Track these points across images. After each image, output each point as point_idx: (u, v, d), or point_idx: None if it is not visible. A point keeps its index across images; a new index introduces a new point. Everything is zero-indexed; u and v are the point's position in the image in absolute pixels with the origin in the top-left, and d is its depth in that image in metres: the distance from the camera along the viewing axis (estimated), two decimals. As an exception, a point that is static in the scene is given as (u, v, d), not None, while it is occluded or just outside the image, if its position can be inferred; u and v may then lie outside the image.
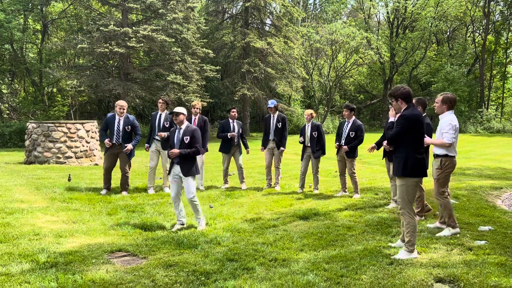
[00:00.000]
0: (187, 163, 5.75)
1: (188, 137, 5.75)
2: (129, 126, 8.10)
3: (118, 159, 8.14)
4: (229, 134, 8.82)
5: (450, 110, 5.48)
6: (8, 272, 4.04)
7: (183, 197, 5.96)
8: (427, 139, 5.46)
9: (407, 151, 4.53)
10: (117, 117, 8.05)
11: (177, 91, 22.25)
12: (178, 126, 5.85)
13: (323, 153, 8.57)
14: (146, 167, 12.50)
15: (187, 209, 6.38)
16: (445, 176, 5.45)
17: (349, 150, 7.85)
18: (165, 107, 8.43)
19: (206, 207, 7.03)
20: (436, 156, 5.55)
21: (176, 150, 5.70)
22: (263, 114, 31.85)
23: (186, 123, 5.87)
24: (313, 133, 8.44)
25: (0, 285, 3.76)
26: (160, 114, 8.41)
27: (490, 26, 34.44)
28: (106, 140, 7.96)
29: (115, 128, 7.99)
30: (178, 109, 5.84)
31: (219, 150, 9.17)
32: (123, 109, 8.09)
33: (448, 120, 5.38)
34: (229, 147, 8.98)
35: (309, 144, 8.48)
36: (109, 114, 8.21)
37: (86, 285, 3.76)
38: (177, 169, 5.79)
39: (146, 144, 8.54)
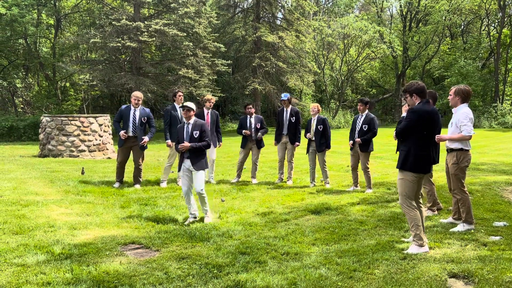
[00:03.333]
0: (198, 157, 5.85)
1: (198, 131, 5.85)
2: (145, 117, 8.11)
3: (132, 152, 8.18)
4: (243, 131, 8.89)
5: (464, 102, 5.37)
6: (24, 263, 4.11)
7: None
8: (444, 136, 5.35)
9: (410, 145, 4.55)
10: (132, 108, 8.04)
11: (188, 85, 22.31)
12: (186, 121, 5.93)
13: (328, 147, 8.51)
14: (158, 160, 12.58)
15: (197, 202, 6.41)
16: (461, 170, 5.37)
17: (362, 143, 7.82)
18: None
19: (218, 201, 7.06)
20: (450, 150, 5.45)
21: (187, 144, 5.77)
22: (274, 108, 31.78)
23: (193, 118, 5.99)
24: (318, 126, 8.39)
25: (17, 275, 3.83)
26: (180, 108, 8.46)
27: (506, 19, 33.82)
28: (122, 132, 7.90)
29: (131, 120, 7.97)
30: (189, 104, 5.89)
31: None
32: (139, 100, 8.08)
33: (464, 112, 5.27)
34: (245, 142, 9.02)
35: (313, 138, 8.44)
36: (124, 106, 8.18)
37: (100, 277, 3.80)
38: (187, 163, 5.88)
39: (168, 141, 8.27)
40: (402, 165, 4.60)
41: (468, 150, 5.37)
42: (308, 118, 32.37)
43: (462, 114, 5.28)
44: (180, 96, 8.48)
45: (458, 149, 5.35)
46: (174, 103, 8.50)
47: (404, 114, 4.80)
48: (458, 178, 5.38)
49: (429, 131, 4.55)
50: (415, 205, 4.62)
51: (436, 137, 5.15)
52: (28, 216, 5.80)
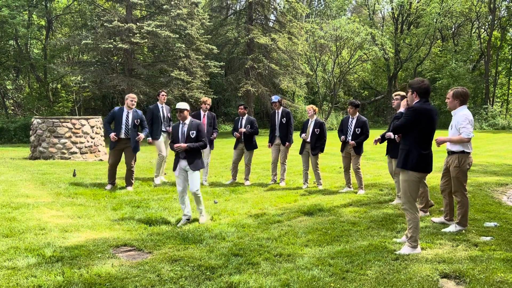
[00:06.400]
0: (195, 157, 5.87)
1: (194, 131, 5.86)
2: (138, 120, 8.13)
3: (124, 154, 8.15)
4: (234, 133, 9.03)
5: (463, 105, 5.33)
6: (15, 266, 4.07)
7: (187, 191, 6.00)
8: (443, 138, 5.33)
9: (411, 144, 4.49)
10: (125, 110, 8.04)
11: (181, 87, 22.24)
12: (181, 122, 5.90)
13: (322, 150, 8.56)
14: (151, 162, 12.52)
15: (192, 203, 6.39)
16: (463, 173, 5.36)
17: (356, 146, 7.86)
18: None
19: (210, 203, 7.04)
20: (451, 153, 5.43)
21: (183, 144, 5.77)
22: (267, 110, 31.81)
23: (189, 118, 5.98)
24: (316, 130, 8.43)
25: (7, 279, 3.79)
26: (162, 107, 8.77)
27: (495, 22, 34.18)
28: (112, 134, 7.87)
29: (124, 122, 7.97)
30: (181, 105, 5.87)
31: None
32: (135, 101, 8.16)
33: (463, 115, 5.25)
34: (236, 144, 9.14)
35: (309, 140, 8.48)
36: (117, 108, 8.20)
37: (92, 279, 3.78)
38: (183, 163, 5.86)
39: (148, 138, 8.68)
40: (404, 164, 4.50)
41: (469, 153, 5.36)
42: (300, 119, 32.24)
43: (461, 116, 5.26)
44: (163, 95, 8.82)
45: (459, 151, 5.33)
46: (157, 102, 8.85)
47: (402, 109, 4.72)
48: (460, 181, 5.37)
49: (429, 130, 4.49)
50: (417, 207, 4.63)
51: (436, 140, 5.16)
52: (19, 219, 5.74)
